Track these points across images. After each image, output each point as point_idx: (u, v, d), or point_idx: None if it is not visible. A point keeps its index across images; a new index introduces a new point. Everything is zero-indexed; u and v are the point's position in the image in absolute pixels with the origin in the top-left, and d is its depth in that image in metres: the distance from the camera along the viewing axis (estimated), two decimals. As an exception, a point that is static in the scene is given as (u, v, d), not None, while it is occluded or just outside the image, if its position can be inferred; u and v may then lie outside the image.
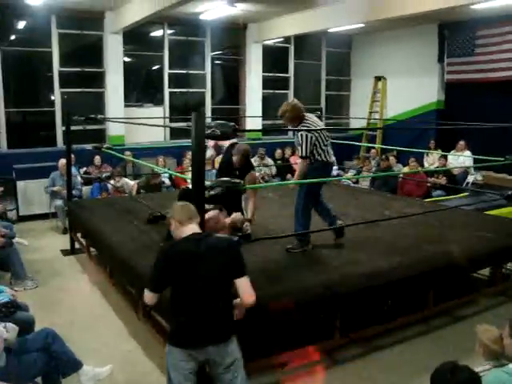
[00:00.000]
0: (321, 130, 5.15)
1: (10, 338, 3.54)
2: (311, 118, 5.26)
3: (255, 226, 5.81)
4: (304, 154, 5.04)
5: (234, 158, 5.62)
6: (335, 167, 10.96)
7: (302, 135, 5.02)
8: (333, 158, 5.42)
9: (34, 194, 9.57)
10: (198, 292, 3.06)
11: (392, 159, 11.19)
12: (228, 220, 5.40)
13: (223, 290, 3.15)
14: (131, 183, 9.56)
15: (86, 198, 9.25)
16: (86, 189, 9.68)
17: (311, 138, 4.99)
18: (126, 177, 9.72)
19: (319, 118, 5.83)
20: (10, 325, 3.62)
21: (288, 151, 12.32)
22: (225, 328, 3.17)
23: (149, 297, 3.17)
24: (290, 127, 5.64)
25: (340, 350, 4.69)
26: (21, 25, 10.58)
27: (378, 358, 4.65)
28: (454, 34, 11.77)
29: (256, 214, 5.80)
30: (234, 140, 6.02)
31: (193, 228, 3.20)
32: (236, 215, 5.45)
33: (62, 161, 8.47)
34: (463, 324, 5.28)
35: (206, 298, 3.08)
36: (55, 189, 8.78)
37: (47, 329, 3.92)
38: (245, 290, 3.13)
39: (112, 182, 9.31)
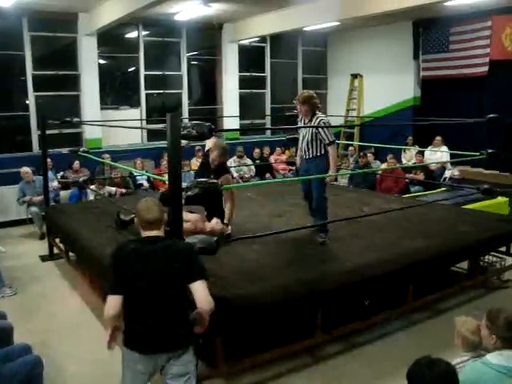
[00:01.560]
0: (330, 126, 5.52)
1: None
2: (322, 116, 5.58)
3: (234, 225, 5.81)
4: (332, 138, 5.41)
5: (213, 154, 5.57)
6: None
7: (324, 123, 5.39)
8: None
9: (9, 200, 9.41)
10: (144, 295, 2.95)
11: (370, 156, 11.27)
12: (207, 226, 5.38)
13: (174, 295, 2.97)
14: (113, 190, 9.49)
15: (64, 203, 9.13)
16: (63, 193, 9.56)
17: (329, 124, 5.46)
18: (104, 180, 9.63)
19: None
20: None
21: (266, 150, 12.34)
22: (176, 336, 2.99)
23: (110, 303, 2.96)
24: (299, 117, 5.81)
25: (321, 347, 4.71)
26: (-9, 28, 10.41)
27: (360, 353, 4.69)
28: (428, 31, 11.89)
29: (233, 215, 5.77)
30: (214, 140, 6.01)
31: (152, 232, 3.05)
32: (217, 223, 5.42)
33: (24, 169, 8.48)
34: (443, 317, 5.35)
35: (154, 302, 2.95)
36: (26, 199, 8.69)
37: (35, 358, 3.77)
38: (199, 295, 2.95)
39: (92, 187, 9.22)
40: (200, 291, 2.96)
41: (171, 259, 2.97)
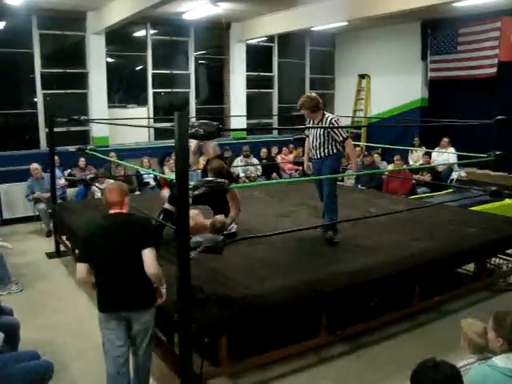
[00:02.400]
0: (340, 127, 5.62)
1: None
2: (331, 115, 5.64)
3: (241, 225, 5.81)
4: (345, 135, 5.53)
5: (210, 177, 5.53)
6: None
7: (335, 122, 5.48)
8: None
9: (17, 197, 9.49)
10: (107, 262, 3.46)
11: (376, 156, 11.25)
12: (207, 221, 5.40)
13: (133, 261, 3.42)
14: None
15: (71, 200, 9.16)
16: (70, 191, 9.59)
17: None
18: (110, 178, 9.63)
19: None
20: (-5, 332, 3.59)
21: (274, 150, 12.34)
22: (137, 297, 3.48)
23: (79, 268, 3.56)
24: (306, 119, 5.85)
25: (327, 347, 4.70)
26: (0, 25, 10.44)
27: (365, 354, 4.68)
28: (436, 32, 11.85)
29: (239, 215, 5.77)
30: (215, 152, 5.97)
31: (115, 210, 3.55)
32: (218, 217, 5.43)
33: (34, 165, 8.50)
34: (449, 319, 5.33)
35: (115, 267, 3.44)
36: (36, 195, 8.72)
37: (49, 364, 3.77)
38: (146, 261, 3.40)
39: (97, 184, 9.24)
40: (147, 257, 3.41)
41: (127, 230, 3.49)
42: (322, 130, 5.47)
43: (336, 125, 5.48)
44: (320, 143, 5.55)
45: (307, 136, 5.96)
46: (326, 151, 5.55)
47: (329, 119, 5.51)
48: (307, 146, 6.02)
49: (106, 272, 3.48)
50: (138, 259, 3.41)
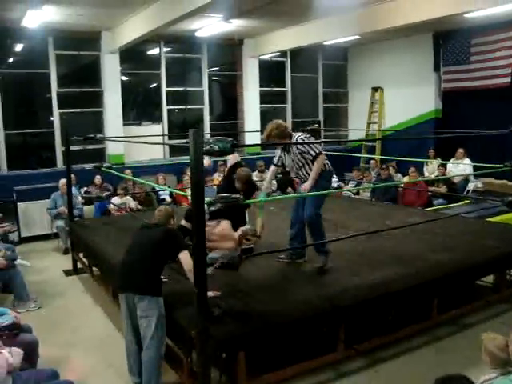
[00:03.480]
0: (313, 143, 5.15)
1: (15, 364, 3.52)
2: (300, 133, 5.29)
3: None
4: (317, 150, 5.06)
5: (237, 185, 5.57)
6: (335, 179, 10.98)
7: (301, 139, 5.11)
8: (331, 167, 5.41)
9: (35, 215, 9.58)
10: (129, 251, 4.30)
11: (391, 169, 11.20)
12: (237, 232, 5.39)
13: (152, 257, 4.11)
14: (133, 202, 9.57)
15: (88, 218, 9.23)
16: (87, 208, 9.67)
17: (310, 139, 5.14)
18: (126, 195, 9.71)
19: (317, 131, 5.86)
20: (14, 349, 3.60)
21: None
22: (141, 283, 4.04)
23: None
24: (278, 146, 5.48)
25: (345, 362, 4.65)
26: (18, 47, 10.64)
27: (383, 369, 4.62)
28: (449, 43, 11.83)
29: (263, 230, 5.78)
30: (235, 159, 6.01)
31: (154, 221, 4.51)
32: (245, 227, 5.43)
33: (63, 181, 8.47)
34: (468, 332, 5.25)
35: (142, 259, 4.12)
36: (59, 210, 8.77)
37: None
38: (182, 262, 4.10)
39: (115, 198, 9.32)
40: (182, 259, 4.10)
41: (158, 233, 4.25)
42: (296, 153, 5.13)
43: (307, 141, 5.10)
44: (300, 166, 5.20)
45: (276, 165, 5.57)
46: (308, 172, 5.16)
47: (297, 138, 5.14)
48: (272, 170, 5.68)
49: (127, 258, 4.26)
50: (159, 258, 4.12)
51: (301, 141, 5.11)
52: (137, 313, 4.05)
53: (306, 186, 5.10)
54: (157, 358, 4.04)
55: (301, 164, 5.18)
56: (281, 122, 5.28)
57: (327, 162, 5.26)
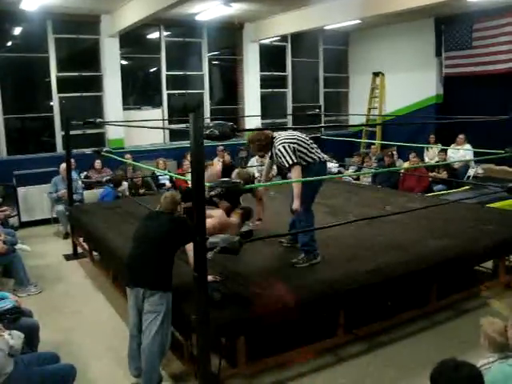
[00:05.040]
0: (297, 139, 4.86)
1: (16, 346, 3.53)
2: (282, 135, 4.97)
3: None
4: (291, 161, 4.71)
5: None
6: (334, 164, 10.97)
7: (279, 150, 4.78)
8: (324, 156, 5.14)
9: (35, 199, 9.58)
10: (137, 243, 4.14)
11: (390, 154, 11.18)
12: (232, 219, 5.41)
13: (162, 249, 3.97)
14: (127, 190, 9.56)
15: (88, 202, 9.23)
16: (87, 193, 9.67)
17: (289, 147, 4.75)
18: (126, 181, 9.70)
19: (317, 115, 5.78)
20: (15, 332, 3.61)
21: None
22: (150, 277, 3.92)
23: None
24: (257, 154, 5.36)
25: (344, 346, 4.68)
26: (17, 31, 10.56)
27: (383, 353, 4.65)
28: (450, 28, 11.75)
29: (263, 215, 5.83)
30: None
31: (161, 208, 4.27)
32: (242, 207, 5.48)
33: (64, 165, 8.43)
34: (467, 317, 5.28)
35: (148, 252, 3.99)
36: (60, 194, 8.75)
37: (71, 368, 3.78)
38: (188, 253, 4.09)
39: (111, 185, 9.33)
40: (188, 250, 4.03)
41: (165, 223, 4.08)
42: (276, 160, 4.96)
43: (283, 151, 4.73)
44: (288, 171, 5.00)
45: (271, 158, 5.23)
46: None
47: (276, 147, 4.84)
48: (267, 163, 5.54)
49: (135, 251, 4.12)
50: (165, 248, 3.97)
51: (278, 151, 4.79)
52: (144, 307, 3.94)
53: (295, 205, 4.77)
54: (159, 353, 3.94)
55: (286, 170, 5.07)
56: (256, 135, 5.00)
57: (316, 153, 4.94)
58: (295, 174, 4.76)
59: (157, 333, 3.87)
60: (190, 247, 3.97)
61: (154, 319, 3.87)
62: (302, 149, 4.86)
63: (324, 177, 5.06)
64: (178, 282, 4.19)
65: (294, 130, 5.11)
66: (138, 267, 4.01)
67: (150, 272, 3.93)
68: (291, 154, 4.74)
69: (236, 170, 5.73)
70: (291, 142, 4.80)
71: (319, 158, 4.97)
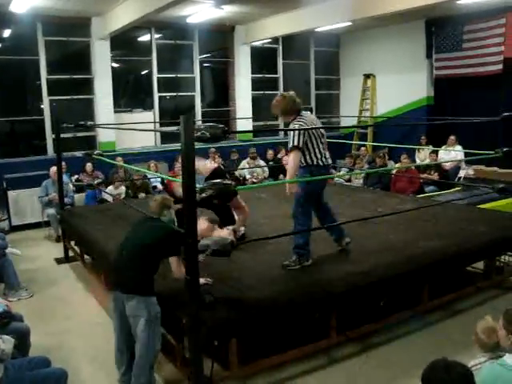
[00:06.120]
0: (313, 128, 4.75)
1: (7, 350, 3.50)
2: (306, 116, 4.85)
3: (248, 227, 5.82)
4: (295, 142, 4.59)
5: None
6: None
7: (293, 127, 4.71)
8: (329, 160, 4.98)
9: (25, 203, 9.53)
10: (122, 247, 4.02)
11: (382, 156, 11.21)
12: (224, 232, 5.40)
13: (143, 255, 3.84)
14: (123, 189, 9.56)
15: (79, 206, 9.19)
16: (78, 196, 9.63)
17: (302, 131, 4.63)
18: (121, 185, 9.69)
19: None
20: (6, 337, 3.59)
21: (282, 152, 12.34)
22: (136, 284, 3.79)
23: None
24: (283, 122, 5.20)
25: (337, 348, 4.68)
26: (6, 33, 10.50)
27: (375, 355, 4.66)
28: (441, 30, 11.81)
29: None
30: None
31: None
32: (229, 234, 5.44)
33: (54, 168, 8.40)
34: (459, 318, 5.30)
35: (130, 256, 3.89)
36: (50, 197, 8.69)
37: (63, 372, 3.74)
38: (172, 267, 4.04)
39: (110, 188, 9.30)
40: (173, 265, 4.01)
41: (153, 230, 3.98)
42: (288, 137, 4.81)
43: (293, 131, 4.65)
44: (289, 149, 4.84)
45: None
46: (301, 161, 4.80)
47: (293, 123, 4.77)
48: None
49: (119, 254, 4.02)
50: (147, 255, 3.84)
51: (296, 126, 4.70)
52: (126, 313, 3.82)
53: (288, 188, 4.75)
54: (147, 358, 3.78)
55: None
56: (291, 94, 4.85)
57: (317, 154, 4.78)
58: (292, 157, 4.65)
59: (143, 338, 3.73)
60: (173, 259, 3.97)
61: (138, 324, 3.75)
62: (308, 142, 4.71)
63: (315, 178, 4.83)
64: (169, 284, 4.18)
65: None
66: (120, 271, 3.95)
67: (128, 276, 3.83)
68: (300, 136, 4.59)
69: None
70: (304, 127, 4.66)
71: (320, 162, 4.81)
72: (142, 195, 9.61)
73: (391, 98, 12.94)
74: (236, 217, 5.71)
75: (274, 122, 13.65)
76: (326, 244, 5.42)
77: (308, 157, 4.76)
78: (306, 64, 14.18)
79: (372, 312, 4.99)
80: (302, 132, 4.62)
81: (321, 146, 4.82)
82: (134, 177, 9.99)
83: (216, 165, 5.91)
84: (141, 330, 3.74)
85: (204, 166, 5.74)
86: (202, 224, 5.12)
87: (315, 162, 4.78)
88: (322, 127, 5.04)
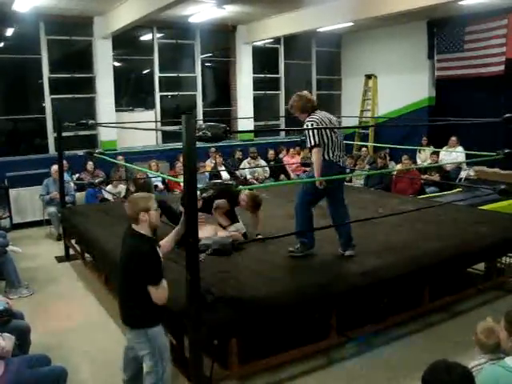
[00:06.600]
0: (326, 128, 4.89)
1: (7, 347, 3.51)
2: (319, 114, 5.03)
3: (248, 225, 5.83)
4: (313, 142, 4.80)
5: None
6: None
7: (307, 125, 4.87)
8: (341, 162, 5.05)
9: (27, 201, 9.54)
10: (117, 273, 3.57)
11: (383, 156, 11.21)
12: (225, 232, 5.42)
13: (129, 281, 3.36)
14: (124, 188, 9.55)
15: (80, 204, 9.19)
16: (79, 195, 9.63)
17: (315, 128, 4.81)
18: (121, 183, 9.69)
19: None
20: (6, 334, 3.59)
21: (283, 152, 12.35)
22: (129, 316, 3.45)
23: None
24: (299, 120, 5.33)
25: (337, 348, 4.68)
26: (9, 32, 10.51)
27: (375, 355, 4.65)
28: (443, 31, 11.80)
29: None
30: None
31: (132, 225, 3.45)
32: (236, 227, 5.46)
33: (55, 167, 8.41)
34: (460, 319, 5.30)
35: (121, 282, 3.47)
36: (52, 195, 8.70)
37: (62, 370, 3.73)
38: (152, 296, 3.33)
39: (109, 187, 9.30)
40: (152, 295, 3.31)
41: (129, 255, 3.37)
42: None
43: (308, 126, 4.86)
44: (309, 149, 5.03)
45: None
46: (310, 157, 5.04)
47: (308, 120, 4.96)
48: None
49: (117, 283, 3.60)
50: (134, 282, 3.31)
51: (309, 124, 4.88)
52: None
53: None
54: (157, 377, 3.43)
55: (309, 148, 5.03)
56: (306, 94, 5.09)
57: (329, 152, 4.90)
58: (315, 157, 4.83)
59: (148, 372, 3.43)
60: (152, 290, 3.29)
61: (142, 357, 3.45)
62: (322, 140, 4.86)
63: (316, 178, 4.88)
64: (170, 282, 4.18)
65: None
66: (118, 296, 3.62)
67: (122, 305, 3.52)
68: (315, 134, 4.79)
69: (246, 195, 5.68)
70: (319, 123, 4.85)
71: (331, 158, 4.92)
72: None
73: (393, 99, 12.93)
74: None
75: (275, 122, 13.66)
76: (327, 244, 5.42)
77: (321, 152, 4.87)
78: (307, 64, 14.19)
79: (372, 313, 4.99)
80: (314, 131, 4.78)
81: (332, 143, 4.91)
82: (136, 176, 9.97)
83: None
84: (146, 365, 3.45)
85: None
86: (207, 232, 5.13)
87: (327, 158, 4.90)
88: (335, 127, 5.10)
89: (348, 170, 11.45)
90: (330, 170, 4.90)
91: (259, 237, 5.50)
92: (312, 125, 4.86)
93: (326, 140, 4.87)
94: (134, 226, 3.41)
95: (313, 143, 4.82)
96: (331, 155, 4.92)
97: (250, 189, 5.78)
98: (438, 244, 5.47)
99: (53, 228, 8.98)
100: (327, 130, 4.89)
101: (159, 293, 3.31)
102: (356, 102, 13.89)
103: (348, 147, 12.72)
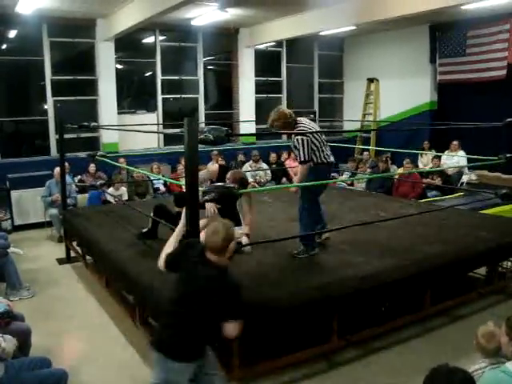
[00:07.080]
0: (315, 132, 5.02)
1: (8, 349, 3.50)
2: (303, 121, 5.11)
3: (251, 230, 5.80)
4: (303, 158, 4.89)
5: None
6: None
7: (297, 140, 4.87)
8: (331, 158, 5.20)
9: (28, 203, 9.54)
10: (179, 305, 3.18)
11: (385, 160, 11.21)
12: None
13: (205, 316, 3.12)
14: (126, 194, 9.56)
15: (81, 206, 9.20)
16: (80, 197, 9.64)
17: (307, 141, 4.87)
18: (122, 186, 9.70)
19: (313, 120, 5.78)
20: (7, 336, 3.59)
21: (284, 155, 12.35)
22: (187, 349, 3.13)
23: None
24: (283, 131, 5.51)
25: (338, 352, 4.67)
26: (12, 34, 10.56)
27: (376, 359, 4.64)
28: (445, 35, 11.82)
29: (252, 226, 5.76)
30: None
31: (213, 257, 3.14)
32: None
33: (57, 169, 8.42)
34: (461, 323, 5.29)
35: (186, 314, 3.13)
36: (53, 198, 8.71)
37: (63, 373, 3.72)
38: (227, 332, 3.15)
39: (110, 189, 9.31)
40: (230, 330, 3.11)
41: (215, 294, 3.06)
42: (292, 143, 5.05)
43: (300, 143, 4.85)
44: (295, 154, 5.17)
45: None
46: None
47: (296, 135, 4.96)
48: None
49: (174, 315, 3.19)
50: (213, 316, 3.10)
51: (296, 141, 4.90)
52: None
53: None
54: None
55: (295, 151, 5.05)
56: (283, 110, 5.08)
57: (325, 152, 5.05)
58: (302, 170, 4.96)
59: None
60: (231, 325, 3.14)
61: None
62: (313, 146, 4.95)
63: (319, 182, 5.03)
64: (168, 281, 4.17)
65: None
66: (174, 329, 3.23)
67: (179, 337, 3.17)
68: (306, 148, 4.88)
69: (231, 171, 5.67)
70: (308, 137, 4.90)
71: (323, 160, 5.06)
72: (148, 197, 9.63)
73: (394, 103, 12.94)
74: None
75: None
76: (327, 247, 5.43)
77: (316, 156, 5.00)
78: (309, 67, 14.21)
79: (374, 317, 4.98)
80: (305, 143, 4.85)
81: (319, 145, 5.03)
82: (134, 175, 9.99)
83: (217, 164, 5.88)
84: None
85: (208, 172, 5.72)
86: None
87: (316, 160, 5.02)
88: (320, 131, 5.29)
89: (349, 174, 11.52)
90: (324, 173, 5.15)
91: (244, 238, 5.28)
92: (302, 140, 4.87)
93: (317, 144, 4.99)
94: (212, 255, 3.09)
95: (303, 159, 4.91)
96: (323, 156, 5.06)
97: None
98: (439, 248, 5.46)
99: (54, 230, 8.99)
100: (315, 134, 5.00)
101: (237, 327, 3.13)
102: (358, 106, 13.90)
103: (350, 151, 12.80)
